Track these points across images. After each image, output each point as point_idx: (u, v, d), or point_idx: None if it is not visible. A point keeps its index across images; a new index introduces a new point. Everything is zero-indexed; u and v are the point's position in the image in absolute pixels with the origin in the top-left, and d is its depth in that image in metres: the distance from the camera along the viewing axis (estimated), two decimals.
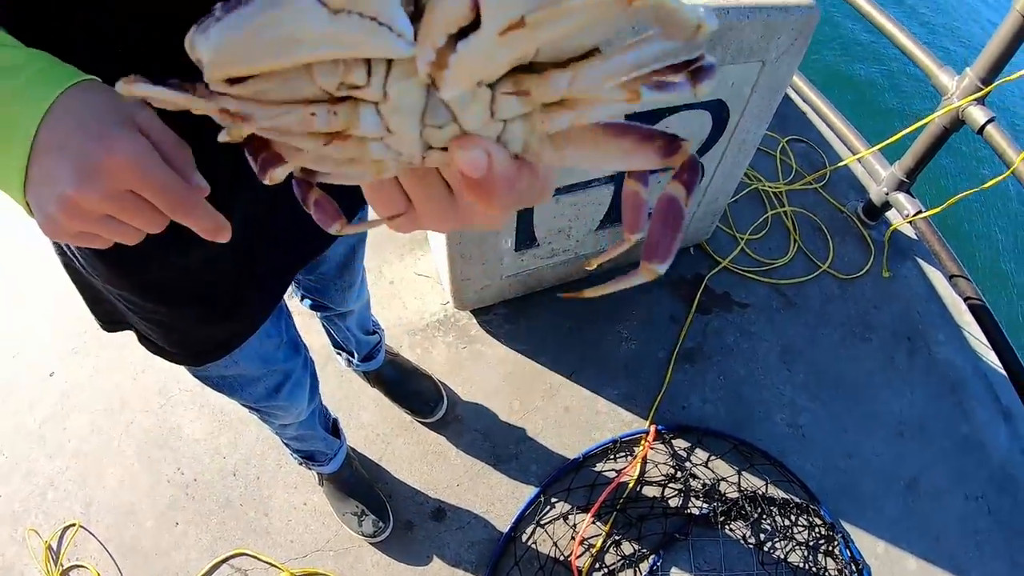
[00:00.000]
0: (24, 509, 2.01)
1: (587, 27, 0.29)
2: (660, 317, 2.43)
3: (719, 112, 1.97)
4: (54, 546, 1.94)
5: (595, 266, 0.54)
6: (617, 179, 2.02)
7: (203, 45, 0.30)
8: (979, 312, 2.63)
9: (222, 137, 0.38)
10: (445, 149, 0.35)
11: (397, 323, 2.31)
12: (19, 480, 2.06)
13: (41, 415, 2.15)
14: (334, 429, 1.87)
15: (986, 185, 2.45)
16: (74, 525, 1.96)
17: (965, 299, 2.69)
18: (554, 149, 0.37)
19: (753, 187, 2.86)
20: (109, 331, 1.15)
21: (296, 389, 1.46)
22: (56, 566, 1.90)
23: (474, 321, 2.32)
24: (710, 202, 2.35)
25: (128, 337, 1.13)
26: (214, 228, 0.57)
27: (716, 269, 2.59)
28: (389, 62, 0.30)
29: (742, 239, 2.69)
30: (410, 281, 2.40)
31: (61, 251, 0.97)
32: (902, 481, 2.26)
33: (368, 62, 0.30)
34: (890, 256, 2.81)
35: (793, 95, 3.26)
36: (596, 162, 0.38)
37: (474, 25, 0.27)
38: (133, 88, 0.34)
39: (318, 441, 1.75)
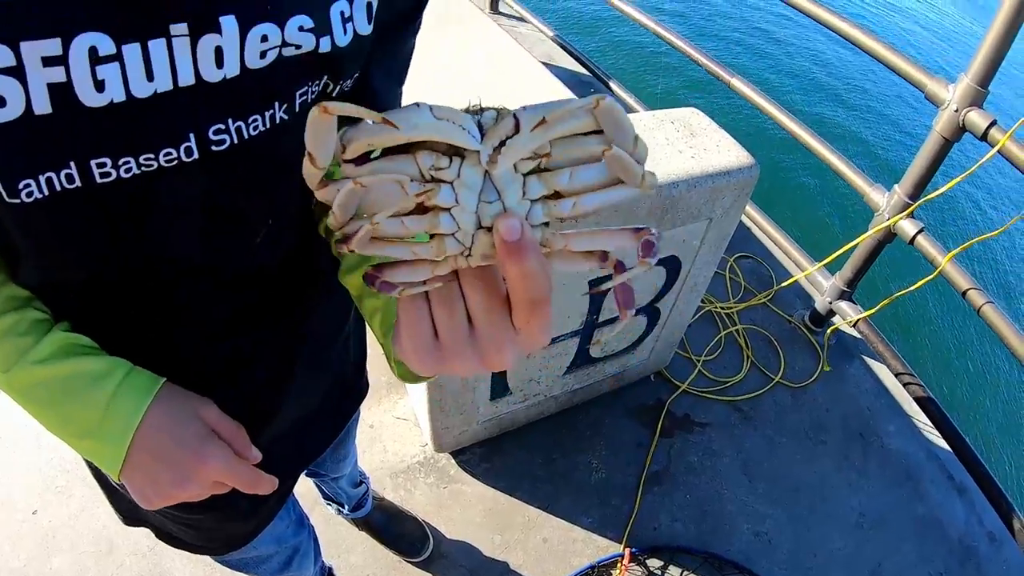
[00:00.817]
0: None
1: (577, 136, 0.49)
2: (626, 444, 2.58)
3: (672, 264, 2.15)
4: None
5: (601, 344, 0.74)
6: (583, 331, 2.18)
7: (348, 134, 0.47)
8: (924, 402, 2.83)
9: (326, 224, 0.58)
10: (490, 229, 0.50)
11: (379, 466, 2.42)
12: None
13: (24, 555, 2.12)
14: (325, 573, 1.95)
15: (915, 286, 2.65)
16: None
17: (909, 390, 2.88)
18: (563, 239, 0.53)
19: (706, 309, 3.07)
20: (128, 525, 1.22)
21: (304, 559, 1.57)
22: None
23: (453, 461, 2.44)
24: (667, 336, 2.53)
25: None
26: (269, 487, 0.78)
27: (676, 394, 2.75)
28: (462, 158, 0.49)
29: (698, 361, 2.87)
30: (390, 425, 2.53)
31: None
32: (867, 570, 2.40)
33: (450, 157, 0.49)
34: (838, 359, 3.00)
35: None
36: (592, 246, 0.54)
37: (515, 134, 0.46)
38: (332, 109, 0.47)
39: None
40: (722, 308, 3.09)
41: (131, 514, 1.18)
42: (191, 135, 0.61)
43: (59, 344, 0.69)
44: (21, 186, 0.55)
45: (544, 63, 3.53)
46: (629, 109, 4.10)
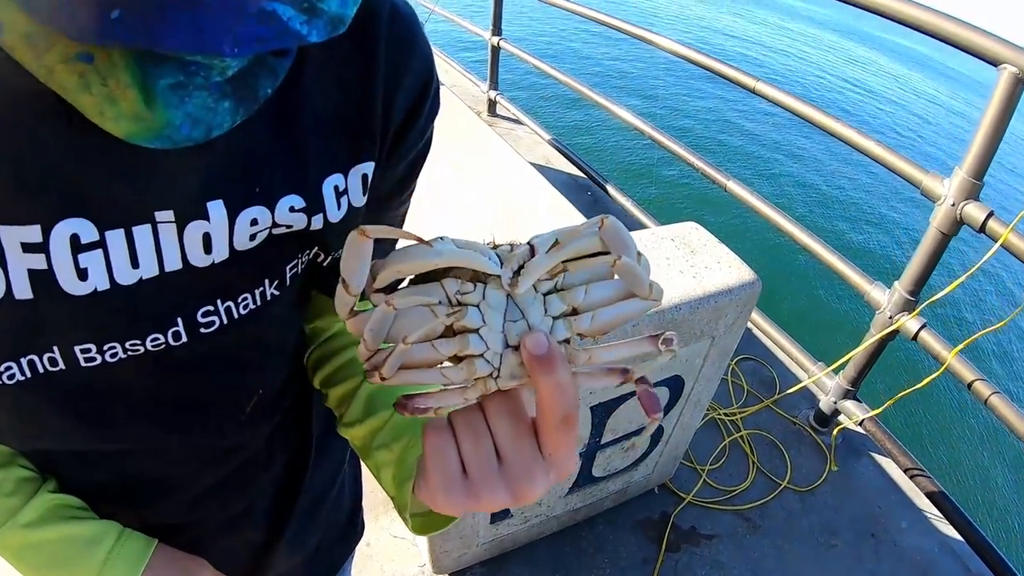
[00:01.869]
0: None
1: (588, 257, 0.54)
2: (632, 560, 2.53)
3: (676, 384, 2.15)
4: None
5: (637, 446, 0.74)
6: (585, 452, 2.17)
7: (378, 265, 0.52)
8: (935, 496, 2.77)
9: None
10: (517, 347, 0.54)
11: None
12: None
13: None
14: None
15: (921, 384, 2.62)
16: None
17: (920, 486, 2.83)
18: (587, 353, 0.57)
19: (710, 417, 3.05)
20: None
21: None
22: None
23: None
24: (671, 450, 2.51)
25: None
26: None
27: (681, 506, 2.71)
28: (485, 283, 0.53)
29: (703, 471, 2.84)
30: (386, 544, 2.48)
31: None
32: None
33: (474, 283, 0.53)
34: (845, 458, 2.97)
35: None
36: (615, 355, 0.58)
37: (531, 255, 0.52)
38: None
39: None
40: (726, 415, 3.08)
41: None
42: (179, 320, 0.61)
43: (47, 506, 0.68)
44: (2, 368, 0.55)
45: (540, 166, 3.59)
46: (626, 212, 4.15)
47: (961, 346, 2.45)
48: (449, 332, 0.55)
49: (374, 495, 2.54)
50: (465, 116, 3.96)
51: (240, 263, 0.62)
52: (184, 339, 0.62)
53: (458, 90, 5.01)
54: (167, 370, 0.64)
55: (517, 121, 5.25)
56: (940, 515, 2.77)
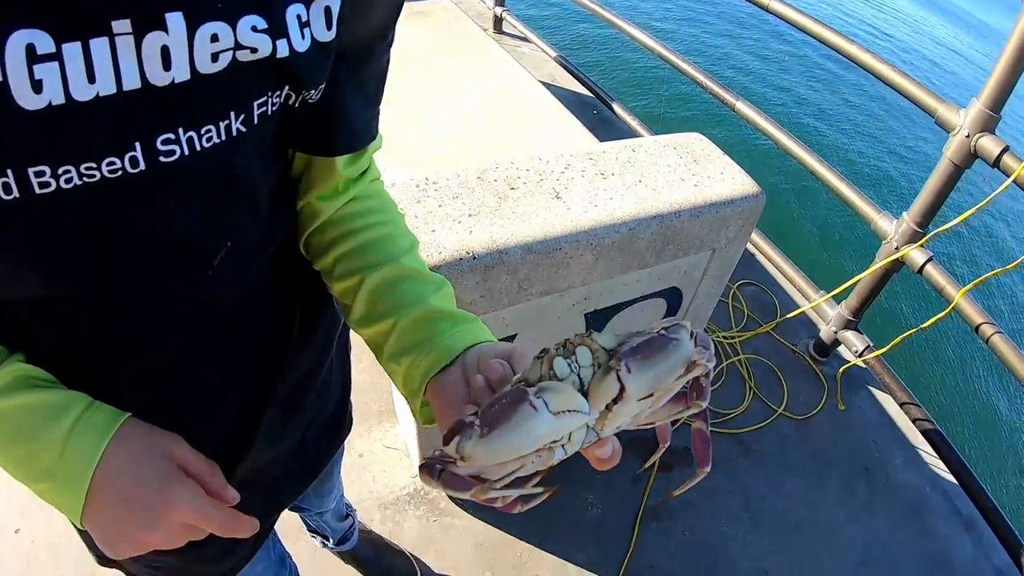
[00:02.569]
0: None
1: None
2: (622, 478, 2.50)
3: (673, 297, 2.09)
4: None
5: (676, 496, 0.74)
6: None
7: (467, 447, 0.50)
8: (930, 434, 2.76)
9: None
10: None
11: (368, 497, 2.35)
12: None
13: (7, 574, 2.10)
14: None
15: (927, 324, 2.59)
16: None
17: (916, 422, 2.82)
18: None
19: (709, 339, 2.99)
20: (103, 566, 1.16)
21: None
22: None
23: (443, 494, 2.36)
24: None
25: None
26: (249, 530, 0.72)
27: (675, 426, 2.65)
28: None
29: None
30: (379, 454, 2.46)
31: None
32: None
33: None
34: (842, 388, 2.94)
35: None
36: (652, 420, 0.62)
37: (619, 396, 0.51)
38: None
39: None
40: (724, 338, 3.03)
41: (103, 556, 1.12)
42: (136, 144, 0.56)
43: (13, 375, 0.64)
44: None
45: (546, 83, 3.49)
46: (632, 133, 4.06)
47: (970, 286, 2.40)
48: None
49: (368, 407, 2.51)
50: (471, 32, 3.85)
51: (203, 87, 0.57)
52: (142, 166, 0.58)
53: (464, 6, 4.86)
54: (125, 202, 0.60)
55: (523, 38, 5.11)
56: (934, 454, 2.75)
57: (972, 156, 2.28)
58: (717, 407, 2.80)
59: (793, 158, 2.97)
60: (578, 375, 0.53)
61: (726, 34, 9.84)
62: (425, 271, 0.83)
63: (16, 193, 0.53)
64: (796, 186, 6.11)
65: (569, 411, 0.50)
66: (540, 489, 0.60)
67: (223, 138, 0.62)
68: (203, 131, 0.60)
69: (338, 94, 0.74)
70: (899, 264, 2.62)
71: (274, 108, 0.66)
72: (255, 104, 0.63)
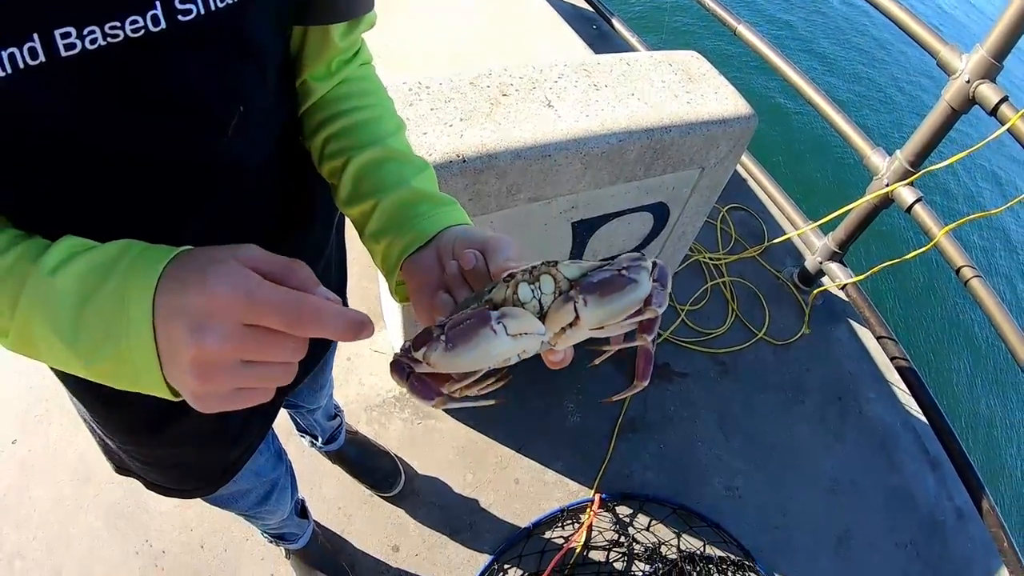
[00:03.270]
0: None
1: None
2: (604, 389, 2.56)
3: (661, 212, 2.11)
4: None
5: (611, 401, 0.78)
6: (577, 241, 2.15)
7: (432, 356, 0.55)
8: (905, 371, 2.82)
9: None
10: None
11: (355, 399, 2.40)
12: None
13: (3, 484, 2.14)
14: (302, 511, 1.94)
15: (909, 256, 2.62)
16: None
17: (892, 359, 2.88)
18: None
19: (694, 259, 3.03)
20: (120, 475, 1.19)
21: (282, 494, 1.56)
22: None
23: None
24: None
25: None
26: (356, 327, 0.56)
27: (657, 341, 2.70)
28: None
29: (682, 310, 2.85)
30: (367, 358, 2.50)
31: (81, 415, 1.05)
32: (835, 534, 2.42)
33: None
34: (822, 320, 2.99)
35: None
36: (607, 334, 0.63)
37: (573, 322, 0.56)
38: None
39: (290, 525, 1.81)
40: (710, 259, 3.06)
41: (120, 465, 1.17)
42: (157, 2, 0.58)
43: (70, 248, 0.57)
44: None
45: None
46: (630, 48, 4.03)
47: (953, 225, 2.42)
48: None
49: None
50: None
51: None
52: (163, 25, 0.59)
53: None
54: (146, 63, 0.61)
55: None
56: (907, 392, 2.83)
57: (970, 101, 2.28)
58: (699, 326, 2.85)
59: (792, 87, 2.96)
60: (539, 300, 0.58)
61: None
62: (409, 153, 0.85)
63: (42, 57, 0.53)
64: (793, 116, 6.08)
65: (526, 334, 0.54)
66: (492, 402, 0.64)
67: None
68: None
69: None
70: (888, 201, 2.64)
71: None
72: None
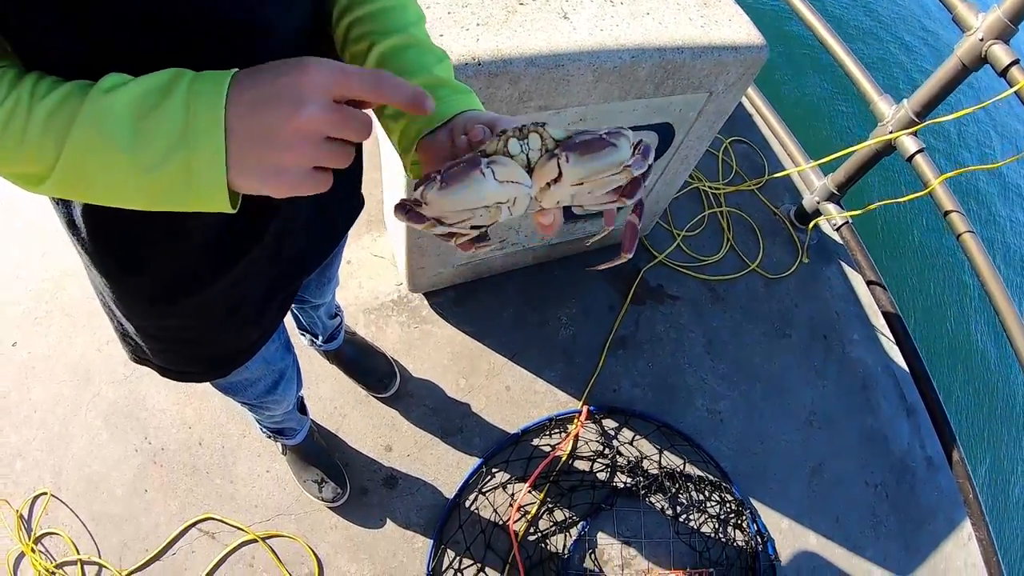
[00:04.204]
0: None
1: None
2: (598, 306, 2.62)
3: (666, 133, 2.12)
4: (25, 515, 1.99)
5: (593, 270, 0.83)
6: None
7: (429, 194, 0.61)
8: (891, 317, 2.88)
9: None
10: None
11: (354, 302, 2.44)
12: None
13: (4, 386, 2.17)
14: (302, 407, 1.97)
15: (903, 199, 2.65)
16: (44, 494, 2.01)
17: (879, 304, 2.93)
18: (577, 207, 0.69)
19: (694, 186, 3.06)
20: (136, 363, 1.21)
21: (288, 384, 1.59)
22: (29, 535, 1.96)
23: (426, 303, 2.47)
24: (651, 204, 2.53)
25: (94, 306, 1.16)
26: (422, 96, 0.64)
27: (652, 263, 2.78)
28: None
29: (679, 235, 2.89)
30: (366, 261, 2.53)
31: (100, 296, 1.05)
32: (808, 466, 2.50)
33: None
34: (815, 256, 3.04)
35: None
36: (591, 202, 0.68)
37: (557, 178, 0.62)
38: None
39: (291, 419, 1.84)
40: (710, 187, 3.09)
41: (136, 354, 1.19)
42: None
43: (121, 77, 0.59)
44: None
45: None
46: None
47: (951, 174, 2.44)
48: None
49: (357, 218, 2.58)
50: None
51: None
52: None
53: None
54: None
55: None
56: (891, 337, 2.89)
57: (981, 60, 2.28)
58: (694, 251, 2.90)
59: (805, 24, 2.96)
60: (527, 155, 0.62)
61: None
62: (430, 42, 0.86)
63: None
64: (805, 54, 6.03)
65: (512, 182, 0.60)
66: (491, 245, 0.72)
67: None
68: None
69: None
70: (891, 148, 2.66)
71: None
72: None
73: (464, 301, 2.51)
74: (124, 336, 1.15)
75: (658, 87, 1.87)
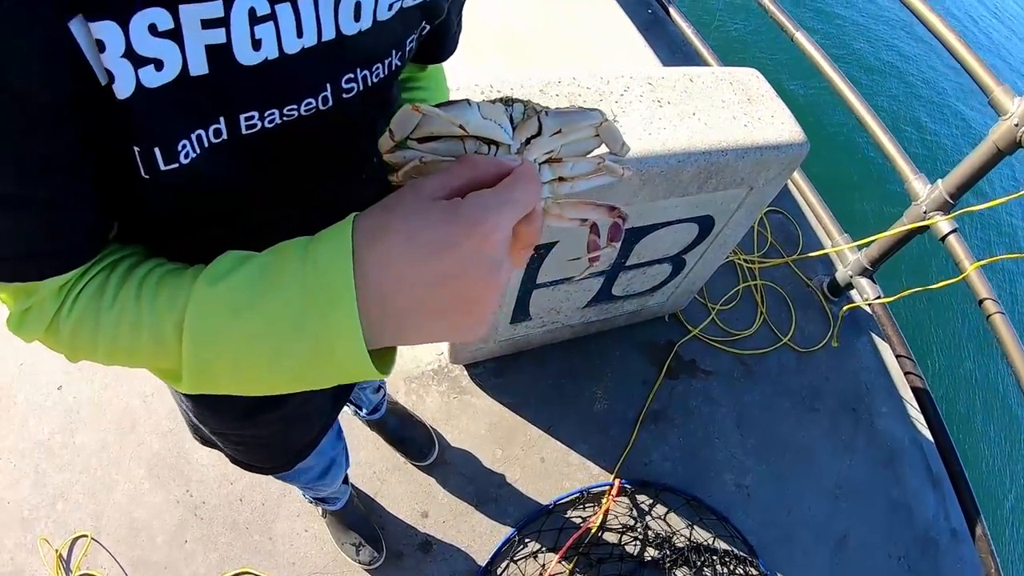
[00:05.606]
0: (34, 517, 2.10)
1: (582, 141, 0.67)
2: (632, 379, 2.68)
3: (706, 223, 2.19)
4: (64, 555, 2.04)
5: (590, 257, 0.74)
6: (609, 272, 2.26)
7: (423, 107, 0.60)
8: (919, 391, 2.92)
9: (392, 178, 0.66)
10: None
11: (395, 370, 2.47)
12: (28, 488, 2.14)
13: (49, 428, 2.23)
14: (344, 478, 1.98)
15: (938, 285, 2.68)
16: (85, 536, 2.07)
17: (907, 375, 2.97)
18: (560, 207, 0.70)
19: (729, 259, 3.12)
20: (205, 447, 1.30)
21: (338, 469, 1.66)
22: (68, 575, 2.02)
23: (465, 373, 2.53)
24: (689, 283, 2.58)
25: None
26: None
27: (687, 337, 2.83)
28: (499, 146, 0.63)
29: (713, 309, 2.95)
30: None
31: (180, 405, 1.12)
32: (834, 537, 2.53)
33: (489, 145, 0.62)
34: (845, 330, 3.07)
35: None
36: (578, 215, 0.71)
37: (537, 135, 0.63)
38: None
39: (334, 492, 1.87)
40: (745, 260, 3.15)
41: (204, 440, 1.26)
42: (328, 85, 0.65)
43: (233, 257, 0.59)
44: (180, 148, 0.57)
45: None
46: (684, 39, 4.05)
47: (984, 261, 2.49)
48: None
49: None
50: None
51: (378, 33, 0.66)
52: (330, 103, 0.67)
53: None
54: (312, 134, 0.69)
55: None
56: (918, 409, 2.92)
57: (1016, 145, 2.30)
58: (728, 325, 2.95)
59: (841, 99, 3.01)
60: (511, 116, 0.64)
61: None
62: None
63: (225, 136, 0.60)
64: (841, 126, 6.03)
65: (495, 122, 0.60)
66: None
67: (386, 73, 0.72)
68: (374, 69, 0.70)
69: (447, 17, 0.83)
70: (924, 228, 2.69)
71: (415, 41, 0.76)
72: (407, 41, 0.73)
73: (503, 372, 2.57)
74: (196, 429, 1.22)
75: (701, 186, 1.94)
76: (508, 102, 0.64)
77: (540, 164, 0.66)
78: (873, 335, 3.12)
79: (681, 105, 1.91)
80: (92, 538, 2.08)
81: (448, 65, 1.02)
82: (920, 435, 2.88)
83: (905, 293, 2.83)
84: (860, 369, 2.99)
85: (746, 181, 2.02)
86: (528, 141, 0.63)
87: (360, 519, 2.16)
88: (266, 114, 0.62)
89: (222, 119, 0.59)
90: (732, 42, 6.77)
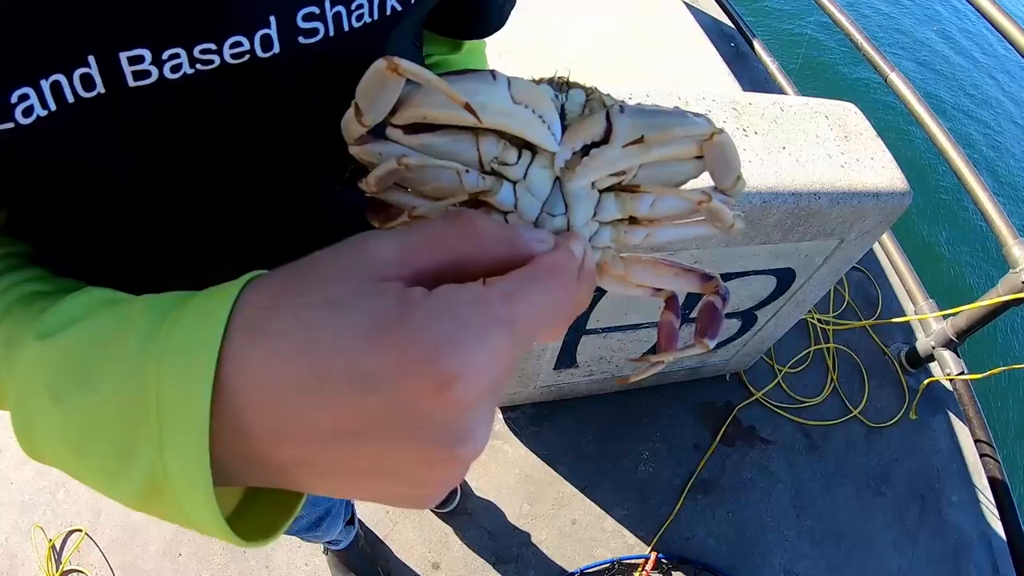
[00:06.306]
0: (33, 502, 2.06)
1: (673, 162, 0.43)
2: (683, 442, 2.46)
3: (786, 277, 1.98)
4: (57, 546, 2.00)
5: (630, 382, 0.60)
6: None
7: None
8: (996, 483, 2.63)
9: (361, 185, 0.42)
10: None
11: None
12: (32, 472, 2.10)
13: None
14: (350, 519, 1.88)
15: None
16: (80, 531, 2.01)
17: (983, 457, 2.69)
18: (623, 265, 0.48)
19: (803, 318, 2.87)
20: None
21: (334, 519, 1.54)
22: (57, 568, 1.96)
23: (500, 416, 2.35)
24: (757, 342, 2.38)
25: None
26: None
27: (748, 400, 2.60)
28: (534, 153, 0.40)
29: (780, 371, 2.71)
30: None
31: None
32: None
33: (519, 149, 0.40)
34: (921, 405, 2.81)
35: None
36: (650, 281, 0.50)
37: (603, 142, 0.39)
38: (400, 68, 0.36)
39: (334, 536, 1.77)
40: (819, 321, 2.91)
41: None
42: (272, 18, 0.43)
43: (87, 300, 0.39)
44: (14, 99, 0.36)
45: (687, 3, 3.29)
46: (768, 76, 3.83)
47: None
48: (472, 202, 0.43)
49: None
50: None
51: None
52: (276, 49, 0.44)
53: None
54: (248, 98, 0.46)
55: None
56: (993, 504, 2.63)
57: None
58: (794, 391, 2.71)
59: (938, 149, 2.75)
60: (562, 107, 0.41)
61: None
62: None
63: (100, 88, 0.39)
64: (934, 180, 5.72)
65: (530, 109, 0.37)
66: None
67: (375, 16, 0.48)
68: (353, 6, 0.46)
69: None
70: (1022, 300, 2.43)
71: None
72: None
73: (541, 421, 2.38)
74: None
75: (786, 234, 1.71)
76: (561, 85, 0.42)
77: (602, 192, 0.43)
78: (951, 414, 2.85)
79: (769, 136, 1.69)
80: (87, 534, 2.03)
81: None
82: (991, 530, 2.60)
83: (996, 371, 2.55)
84: (933, 451, 2.73)
85: (837, 232, 1.79)
86: (586, 150, 0.39)
87: (364, 561, 2.01)
88: (164, 56, 0.40)
89: (91, 58, 0.38)
90: (823, 82, 6.49)
